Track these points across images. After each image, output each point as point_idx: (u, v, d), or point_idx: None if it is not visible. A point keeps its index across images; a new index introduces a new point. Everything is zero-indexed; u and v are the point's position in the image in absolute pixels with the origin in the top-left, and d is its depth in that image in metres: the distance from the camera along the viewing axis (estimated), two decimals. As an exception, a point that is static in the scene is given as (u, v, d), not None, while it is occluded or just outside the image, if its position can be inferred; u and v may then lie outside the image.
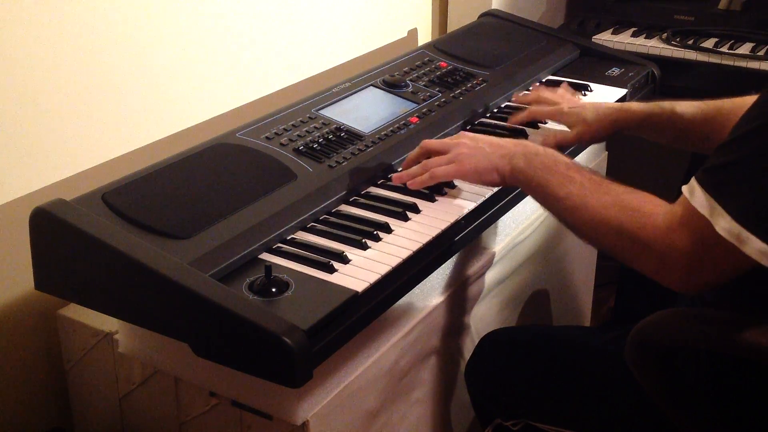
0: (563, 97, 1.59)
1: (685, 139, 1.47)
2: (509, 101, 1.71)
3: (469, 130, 1.57)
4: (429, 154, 1.34)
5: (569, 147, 1.54)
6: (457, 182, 1.37)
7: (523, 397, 1.38)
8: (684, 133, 1.45)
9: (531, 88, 1.76)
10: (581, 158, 1.78)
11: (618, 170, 2.13)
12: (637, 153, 1.51)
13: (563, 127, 1.54)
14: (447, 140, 1.35)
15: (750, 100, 1.38)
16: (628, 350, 1.17)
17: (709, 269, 1.03)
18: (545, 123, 1.60)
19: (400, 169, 1.38)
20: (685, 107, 1.43)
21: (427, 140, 1.36)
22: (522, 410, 1.37)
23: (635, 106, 1.49)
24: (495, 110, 1.66)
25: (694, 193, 1.02)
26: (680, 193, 1.05)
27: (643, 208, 1.09)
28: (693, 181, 1.04)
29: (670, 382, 1.16)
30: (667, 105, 1.45)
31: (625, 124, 1.48)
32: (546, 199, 1.22)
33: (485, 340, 1.47)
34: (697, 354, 1.20)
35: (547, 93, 1.61)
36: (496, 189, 1.36)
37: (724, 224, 0.98)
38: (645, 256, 1.07)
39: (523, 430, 1.38)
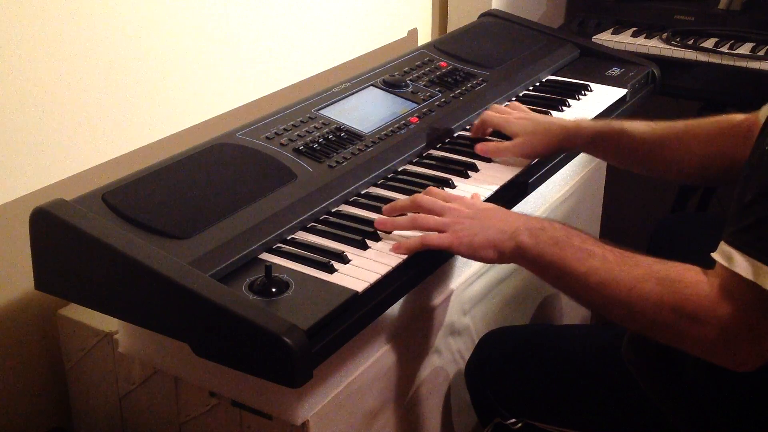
0: (516, 107, 1.54)
1: (633, 160, 1.43)
2: (509, 102, 1.71)
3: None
4: (418, 208, 1.22)
5: (509, 157, 1.45)
6: (456, 182, 1.37)
7: (523, 396, 1.38)
8: (632, 153, 1.41)
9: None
10: (579, 160, 1.78)
11: (618, 173, 2.13)
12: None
13: None
14: (440, 203, 1.21)
15: (703, 122, 1.40)
16: (626, 350, 1.17)
17: None
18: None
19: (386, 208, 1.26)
20: (636, 126, 1.40)
21: (419, 196, 1.23)
22: (522, 409, 1.37)
23: (585, 124, 1.44)
24: (446, 140, 1.53)
25: (732, 259, 0.96)
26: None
27: (684, 278, 1.01)
28: (725, 246, 0.98)
29: (668, 382, 1.16)
30: (616, 124, 1.42)
31: (572, 144, 1.44)
32: (561, 278, 1.10)
33: (485, 339, 1.47)
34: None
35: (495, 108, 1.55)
36: (495, 189, 1.36)
37: None
38: (697, 330, 0.99)
39: (523, 429, 1.38)
